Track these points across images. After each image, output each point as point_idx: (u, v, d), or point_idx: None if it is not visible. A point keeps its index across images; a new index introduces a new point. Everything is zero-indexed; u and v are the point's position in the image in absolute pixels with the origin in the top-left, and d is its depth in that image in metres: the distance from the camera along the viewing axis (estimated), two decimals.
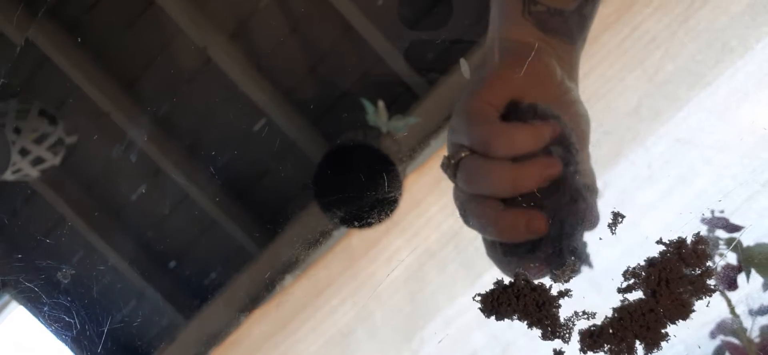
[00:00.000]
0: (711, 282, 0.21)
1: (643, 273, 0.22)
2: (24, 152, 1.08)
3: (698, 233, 0.20)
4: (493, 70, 0.40)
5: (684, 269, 0.21)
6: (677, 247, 0.21)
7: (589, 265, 0.30)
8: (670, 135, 0.86)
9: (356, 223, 1.14)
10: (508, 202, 0.33)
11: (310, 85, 1.25)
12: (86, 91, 1.18)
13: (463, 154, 0.37)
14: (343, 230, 1.19)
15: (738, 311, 0.72)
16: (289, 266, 1.22)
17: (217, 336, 1.24)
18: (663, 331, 0.21)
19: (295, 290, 1.22)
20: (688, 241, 0.21)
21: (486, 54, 0.42)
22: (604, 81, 0.88)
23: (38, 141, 1.08)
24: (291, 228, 1.30)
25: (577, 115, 0.39)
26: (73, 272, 0.77)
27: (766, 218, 0.77)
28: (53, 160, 1.10)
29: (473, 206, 0.37)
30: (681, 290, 0.21)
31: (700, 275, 0.21)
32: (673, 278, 0.21)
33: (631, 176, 0.87)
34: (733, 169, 0.79)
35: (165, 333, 1.28)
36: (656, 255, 0.22)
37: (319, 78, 1.25)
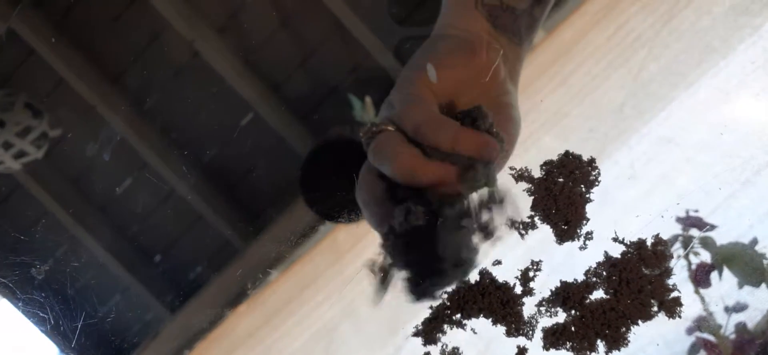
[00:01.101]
0: (670, 282, 0.21)
1: (604, 273, 0.22)
2: (7, 146, 1.07)
3: (657, 234, 0.21)
4: (441, 55, 0.40)
5: (644, 270, 0.22)
6: (637, 248, 0.22)
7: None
8: (653, 134, 0.86)
9: (342, 218, 1.14)
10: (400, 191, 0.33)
11: (299, 81, 1.24)
12: (72, 84, 1.18)
13: (387, 128, 0.37)
14: (329, 225, 1.19)
15: (716, 308, 0.73)
16: (275, 261, 1.22)
17: (203, 330, 1.24)
18: (623, 330, 0.21)
19: (280, 285, 1.22)
20: (649, 242, 0.21)
21: (434, 37, 0.42)
22: (589, 78, 0.88)
23: (22, 134, 1.08)
24: (277, 223, 1.30)
25: (509, 119, 0.38)
26: (47, 268, 0.76)
27: (745, 216, 0.78)
28: (36, 153, 1.09)
29: (370, 185, 0.37)
30: (641, 290, 0.21)
31: (659, 275, 0.21)
32: (634, 278, 0.22)
33: (615, 175, 0.88)
34: (714, 169, 0.80)
35: (150, 327, 1.28)
36: (618, 256, 0.22)
37: (308, 73, 1.24)
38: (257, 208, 1.30)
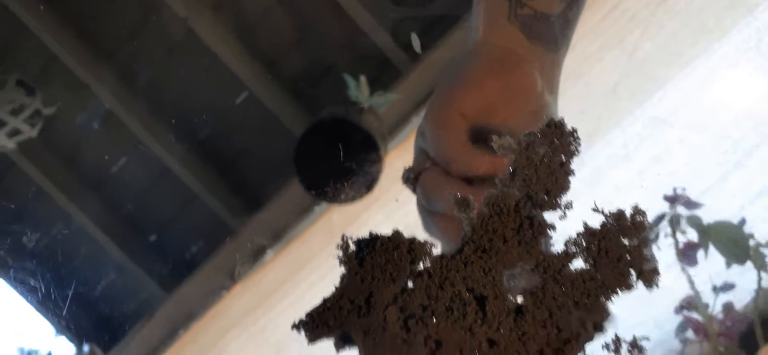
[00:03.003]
0: (647, 252, 0.21)
1: (583, 242, 0.22)
2: (1, 124, 1.07)
3: (636, 204, 0.21)
4: (471, 75, 0.38)
5: (622, 239, 0.22)
6: (616, 218, 0.22)
7: None
8: (647, 115, 0.86)
9: (337, 198, 1.14)
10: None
11: (293, 59, 1.24)
12: (65, 62, 1.17)
13: (426, 166, 0.36)
14: (323, 205, 1.19)
15: (704, 288, 0.73)
16: (270, 242, 1.22)
17: (198, 310, 1.24)
18: (602, 299, 0.22)
19: (275, 265, 1.22)
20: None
21: (465, 55, 0.40)
22: (583, 59, 0.88)
23: (15, 112, 1.07)
24: (272, 203, 1.30)
25: None
26: (45, 242, 0.77)
27: (736, 197, 0.78)
28: (30, 132, 1.09)
29: (436, 221, 0.36)
30: (619, 259, 0.22)
31: (637, 245, 0.21)
32: (612, 247, 0.22)
33: (607, 155, 0.88)
34: (706, 149, 0.80)
35: (145, 307, 1.28)
36: (597, 226, 0.23)
37: (302, 52, 1.24)
38: (252, 188, 1.30)
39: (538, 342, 0.22)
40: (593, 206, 0.21)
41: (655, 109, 0.87)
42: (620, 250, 0.22)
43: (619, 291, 0.23)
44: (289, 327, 0.23)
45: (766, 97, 0.77)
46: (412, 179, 0.38)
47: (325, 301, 0.25)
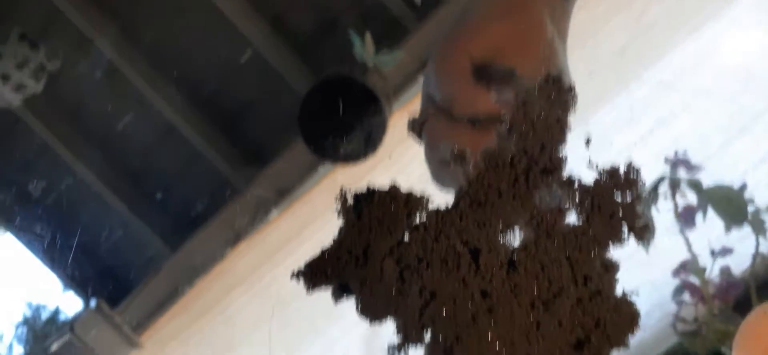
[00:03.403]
0: (640, 208, 0.21)
1: (576, 198, 0.23)
2: (5, 78, 1.07)
3: (630, 161, 0.21)
4: (479, 17, 0.38)
5: (616, 195, 0.22)
6: (610, 174, 0.22)
7: None
8: (654, 79, 0.86)
9: (341, 158, 1.14)
10: None
11: (299, 17, 1.23)
12: (69, 17, 1.16)
13: (430, 113, 0.36)
14: (328, 165, 1.20)
15: (703, 252, 0.74)
16: (275, 200, 1.23)
17: (203, 267, 1.26)
18: (593, 254, 0.22)
19: (280, 224, 1.24)
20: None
21: (472, 1, 0.40)
22: (590, 21, 0.87)
23: (19, 66, 1.07)
24: (276, 162, 1.30)
25: None
26: (50, 196, 0.77)
27: (739, 162, 0.78)
28: (35, 86, 1.09)
29: (449, 168, 0.36)
30: (612, 215, 0.22)
31: (631, 202, 0.22)
32: (605, 203, 0.22)
33: (613, 119, 0.88)
34: (712, 114, 0.80)
35: (151, 263, 1.30)
36: (590, 182, 0.23)
37: (308, 9, 1.23)
38: (257, 147, 1.30)
39: (530, 294, 0.22)
40: (588, 163, 0.22)
41: (662, 74, 0.86)
42: (613, 206, 0.22)
43: (610, 246, 0.23)
44: (294, 285, 0.24)
45: None
46: (417, 126, 0.38)
47: (324, 252, 0.25)
